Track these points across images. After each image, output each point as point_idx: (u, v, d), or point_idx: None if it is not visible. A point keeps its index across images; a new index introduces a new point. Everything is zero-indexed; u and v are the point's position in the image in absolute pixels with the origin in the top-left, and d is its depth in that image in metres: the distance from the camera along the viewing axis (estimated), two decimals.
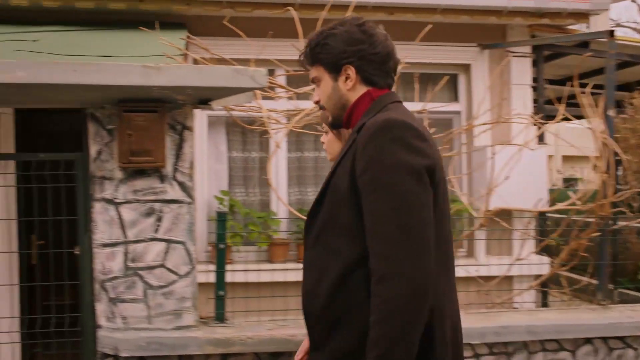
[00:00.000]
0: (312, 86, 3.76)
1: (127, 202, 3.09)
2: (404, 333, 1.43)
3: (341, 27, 1.72)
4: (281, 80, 4.23)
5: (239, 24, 3.92)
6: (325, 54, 1.72)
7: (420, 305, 1.44)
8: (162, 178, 3.11)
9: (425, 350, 1.51)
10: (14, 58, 3.20)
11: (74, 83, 2.72)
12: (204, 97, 3.05)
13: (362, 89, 1.73)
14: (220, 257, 3.45)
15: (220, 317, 3.35)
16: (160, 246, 3.10)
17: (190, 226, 3.14)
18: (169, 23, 4.36)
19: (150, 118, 2.94)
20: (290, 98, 4.00)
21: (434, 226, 1.51)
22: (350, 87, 1.72)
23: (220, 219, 3.44)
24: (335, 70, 1.73)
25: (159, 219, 3.10)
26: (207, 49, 3.82)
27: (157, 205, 3.10)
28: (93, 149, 3.08)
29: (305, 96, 3.88)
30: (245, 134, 5.17)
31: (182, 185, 3.13)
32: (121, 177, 3.08)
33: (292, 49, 4.07)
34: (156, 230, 3.10)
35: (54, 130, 5.05)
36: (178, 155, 3.13)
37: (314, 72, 1.78)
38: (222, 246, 3.45)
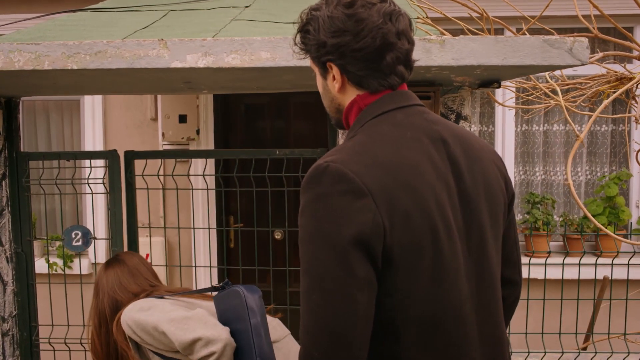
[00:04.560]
0: (600, 54, 2.88)
1: None
2: None
3: (325, 7, 1.24)
4: None
5: None
6: (307, 44, 1.30)
7: None
8: None
9: None
10: (235, 32, 2.70)
11: None
12: (490, 78, 2.33)
13: (352, 92, 1.29)
14: None
15: None
16: None
17: None
18: None
19: None
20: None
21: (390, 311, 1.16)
22: (339, 89, 1.29)
23: None
24: (321, 66, 1.30)
25: None
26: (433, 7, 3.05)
27: None
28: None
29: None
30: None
31: None
32: None
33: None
34: None
35: (251, 103, 4.64)
36: None
37: (310, 62, 1.34)
38: None
